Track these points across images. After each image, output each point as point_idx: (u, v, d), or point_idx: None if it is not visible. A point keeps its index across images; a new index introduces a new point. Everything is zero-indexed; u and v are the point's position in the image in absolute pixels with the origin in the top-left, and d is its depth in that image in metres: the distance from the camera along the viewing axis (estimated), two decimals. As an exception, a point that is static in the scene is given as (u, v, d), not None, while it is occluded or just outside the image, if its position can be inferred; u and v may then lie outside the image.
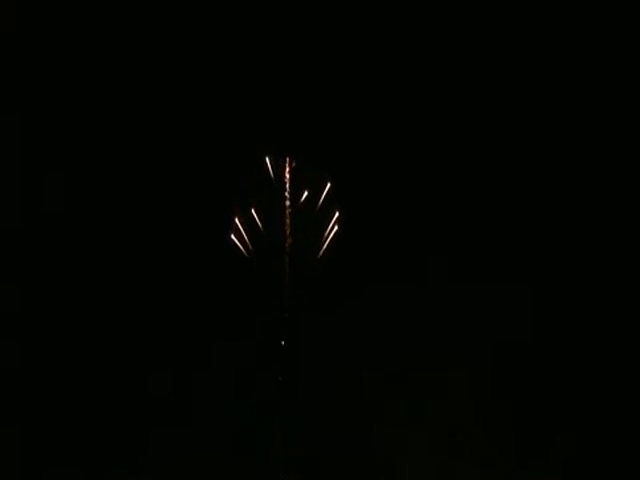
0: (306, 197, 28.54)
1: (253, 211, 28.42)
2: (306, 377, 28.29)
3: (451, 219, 29.01)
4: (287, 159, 28.57)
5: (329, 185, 28.48)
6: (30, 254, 28.43)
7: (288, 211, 28.46)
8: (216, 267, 28.56)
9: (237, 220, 28.23)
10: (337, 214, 28.36)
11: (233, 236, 28.16)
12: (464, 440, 28.08)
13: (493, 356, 28.30)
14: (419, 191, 29.16)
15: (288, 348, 28.47)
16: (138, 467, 27.49)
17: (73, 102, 29.01)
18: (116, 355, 28.21)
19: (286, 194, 28.51)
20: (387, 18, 29.14)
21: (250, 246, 28.24)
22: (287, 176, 28.53)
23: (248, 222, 28.36)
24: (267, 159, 28.59)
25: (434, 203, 29.11)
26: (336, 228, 28.30)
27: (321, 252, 28.28)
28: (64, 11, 28.78)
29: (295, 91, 28.92)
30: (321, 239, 28.33)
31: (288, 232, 28.42)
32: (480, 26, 29.22)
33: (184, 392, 28.10)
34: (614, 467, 27.63)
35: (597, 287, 28.43)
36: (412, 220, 28.89)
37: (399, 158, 29.10)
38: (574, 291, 28.52)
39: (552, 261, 28.77)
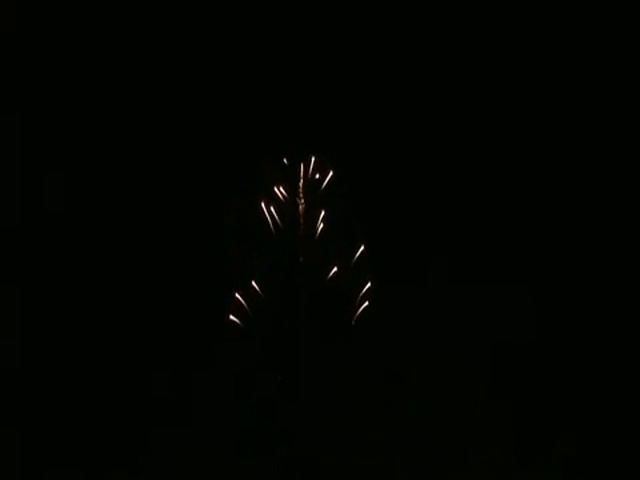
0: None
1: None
2: (306, 377, 28.28)
3: (451, 219, 29.03)
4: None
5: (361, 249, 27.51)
6: (30, 254, 28.42)
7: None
8: (217, 267, 28.56)
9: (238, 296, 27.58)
10: (369, 284, 27.59)
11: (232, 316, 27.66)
12: (464, 440, 28.06)
13: (493, 356, 28.31)
14: (418, 191, 29.20)
15: (288, 348, 28.45)
16: (138, 467, 27.48)
17: (73, 102, 29.02)
18: (116, 355, 28.21)
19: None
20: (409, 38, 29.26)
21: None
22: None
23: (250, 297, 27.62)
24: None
25: (434, 203, 29.14)
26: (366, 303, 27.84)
27: (353, 321, 27.91)
28: (64, 11, 28.81)
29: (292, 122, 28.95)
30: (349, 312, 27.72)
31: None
32: (483, 29, 29.30)
33: (184, 392, 28.08)
34: (614, 467, 27.62)
35: (597, 287, 28.47)
36: (412, 220, 28.90)
37: (399, 159, 29.14)
38: (574, 291, 28.55)
39: (552, 261, 28.81)
